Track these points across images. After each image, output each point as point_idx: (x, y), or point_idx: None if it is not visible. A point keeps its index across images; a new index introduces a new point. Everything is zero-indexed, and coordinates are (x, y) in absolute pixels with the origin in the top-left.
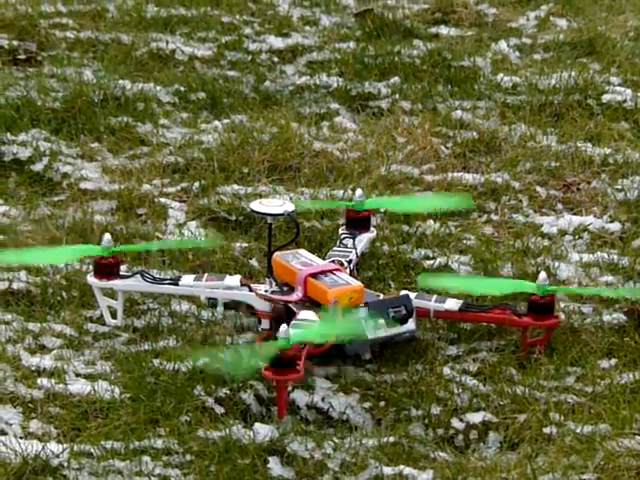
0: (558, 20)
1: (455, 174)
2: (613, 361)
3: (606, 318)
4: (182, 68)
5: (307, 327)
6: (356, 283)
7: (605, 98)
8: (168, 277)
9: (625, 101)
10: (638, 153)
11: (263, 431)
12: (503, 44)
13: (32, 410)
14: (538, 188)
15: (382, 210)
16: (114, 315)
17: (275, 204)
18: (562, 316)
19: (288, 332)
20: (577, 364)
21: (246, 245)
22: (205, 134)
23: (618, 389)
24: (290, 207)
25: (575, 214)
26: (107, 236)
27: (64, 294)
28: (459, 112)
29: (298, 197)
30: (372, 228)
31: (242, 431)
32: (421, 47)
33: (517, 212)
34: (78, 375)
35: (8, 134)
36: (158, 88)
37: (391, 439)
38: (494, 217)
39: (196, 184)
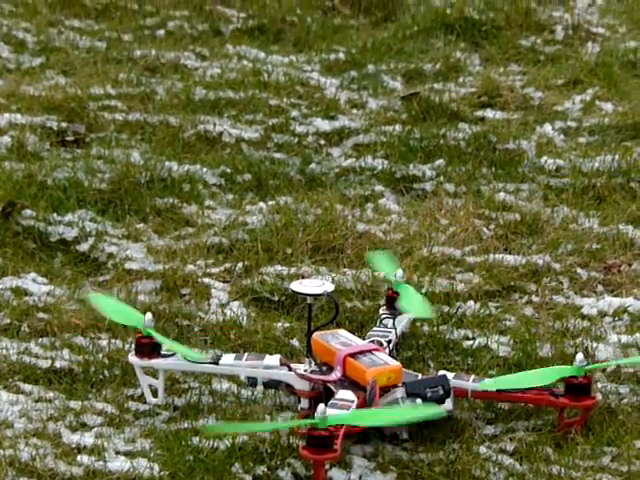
0: (603, 104)
1: (497, 255)
2: None
3: None
4: (229, 150)
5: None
6: (394, 363)
7: None
8: (209, 356)
9: None
10: None
11: None
12: (548, 127)
13: None
14: (579, 270)
15: None
16: (155, 393)
17: (315, 284)
18: (599, 396)
19: (325, 412)
20: (613, 444)
21: (288, 325)
22: (250, 215)
23: None
24: (330, 287)
25: (615, 296)
26: (148, 315)
27: (106, 372)
28: (502, 194)
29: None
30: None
31: None
32: (466, 130)
33: (558, 293)
34: (118, 453)
35: (55, 214)
36: (204, 170)
37: None
38: (535, 298)
39: (239, 265)
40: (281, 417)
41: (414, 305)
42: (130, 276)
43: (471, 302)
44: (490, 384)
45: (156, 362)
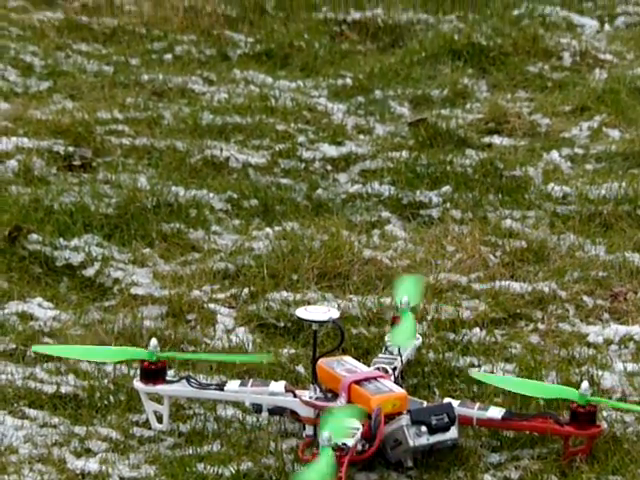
0: (611, 131)
1: (503, 283)
2: None
3: None
4: (235, 175)
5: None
6: (399, 390)
7: None
8: (214, 382)
9: None
10: None
11: None
12: (555, 154)
13: None
14: (585, 297)
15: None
16: (160, 419)
17: (320, 311)
18: (604, 425)
19: (330, 439)
20: (618, 472)
21: (294, 351)
22: (256, 241)
23: None
24: (335, 314)
25: (621, 324)
26: (153, 341)
27: (111, 398)
28: (509, 221)
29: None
30: (418, 335)
31: None
32: (473, 156)
33: (563, 321)
34: (122, 479)
35: (61, 239)
36: (211, 195)
37: None
38: (540, 326)
39: (245, 290)
40: (286, 444)
41: (399, 334)
42: (136, 301)
43: (477, 329)
44: (479, 375)
45: (161, 388)
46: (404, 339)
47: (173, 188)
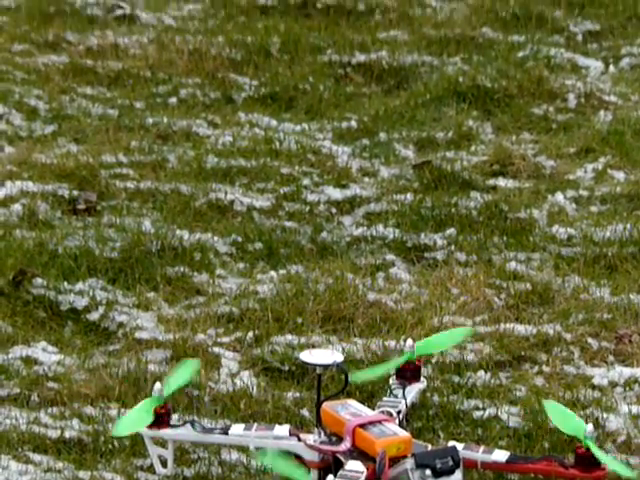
0: (615, 172)
1: (507, 325)
2: None
3: None
4: (240, 218)
5: None
6: (404, 434)
7: None
8: (218, 426)
9: None
10: None
11: None
12: (560, 196)
13: None
14: (590, 340)
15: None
16: (164, 464)
17: (324, 354)
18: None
19: None
20: None
21: (298, 395)
22: (261, 284)
23: None
24: (339, 357)
25: (626, 366)
26: (157, 385)
27: (115, 443)
28: (513, 263)
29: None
30: (422, 378)
31: None
32: (478, 199)
33: (568, 364)
34: None
35: (65, 283)
36: (215, 238)
37: None
38: (545, 368)
39: (250, 334)
40: None
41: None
42: (140, 345)
43: (481, 372)
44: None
45: (165, 432)
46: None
47: (177, 232)
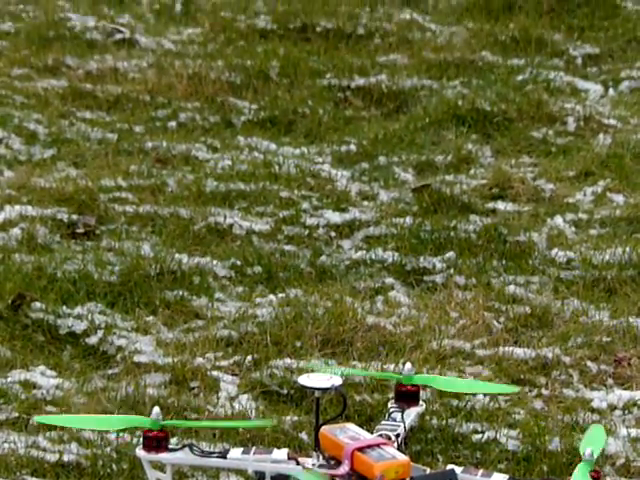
0: (615, 196)
1: (506, 348)
2: None
3: None
4: (239, 242)
5: None
6: (402, 457)
7: None
8: (216, 450)
9: None
10: None
11: None
12: (559, 219)
13: None
14: (589, 363)
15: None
16: None
17: (323, 378)
18: None
19: None
20: None
21: (297, 418)
22: (260, 308)
23: None
24: (338, 381)
25: (625, 389)
26: (156, 409)
27: (114, 466)
28: (512, 287)
29: (349, 367)
30: (421, 402)
31: None
32: (477, 222)
33: (567, 387)
34: None
35: (64, 307)
36: (214, 262)
37: None
38: (544, 392)
39: (249, 358)
40: None
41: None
42: (139, 369)
43: (480, 395)
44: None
45: (164, 456)
46: None
47: (176, 255)
